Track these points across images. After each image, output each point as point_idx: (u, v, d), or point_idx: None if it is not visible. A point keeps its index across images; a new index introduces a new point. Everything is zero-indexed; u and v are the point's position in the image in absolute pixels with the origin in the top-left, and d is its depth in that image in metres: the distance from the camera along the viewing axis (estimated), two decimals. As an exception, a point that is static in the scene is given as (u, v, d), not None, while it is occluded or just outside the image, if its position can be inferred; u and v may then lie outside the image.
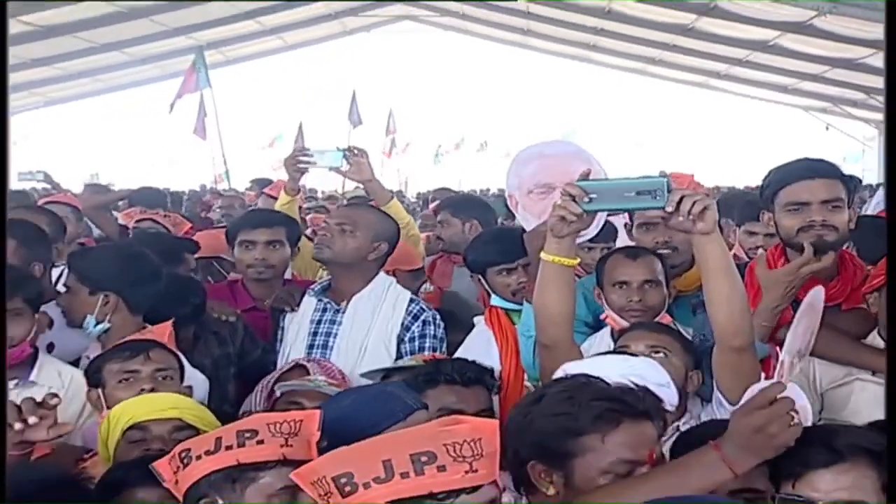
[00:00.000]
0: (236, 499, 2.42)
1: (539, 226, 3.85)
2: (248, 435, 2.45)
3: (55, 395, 3.06)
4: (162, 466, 2.58)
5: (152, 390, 3.44)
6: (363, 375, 4.07)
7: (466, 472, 2.18)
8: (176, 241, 5.91)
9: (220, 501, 2.44)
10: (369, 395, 3.21)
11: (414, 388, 3.42)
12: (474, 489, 2.20)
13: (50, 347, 4.19)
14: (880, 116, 21.69)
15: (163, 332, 3.73)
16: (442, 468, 2.17)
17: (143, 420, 3.16)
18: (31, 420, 2.84)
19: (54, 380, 3.83)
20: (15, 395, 3.35)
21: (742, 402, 2.49)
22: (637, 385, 2.56)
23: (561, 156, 4.01)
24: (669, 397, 2.89)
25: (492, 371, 3.82)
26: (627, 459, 2.39)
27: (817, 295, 2.58)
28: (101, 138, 25.38)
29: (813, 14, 14.67)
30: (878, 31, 14.87)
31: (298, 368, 4.04)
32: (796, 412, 2.36)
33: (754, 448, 2.37)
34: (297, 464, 2.38)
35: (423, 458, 2.18)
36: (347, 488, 2.21)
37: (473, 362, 3.87)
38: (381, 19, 25.28)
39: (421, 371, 3.73)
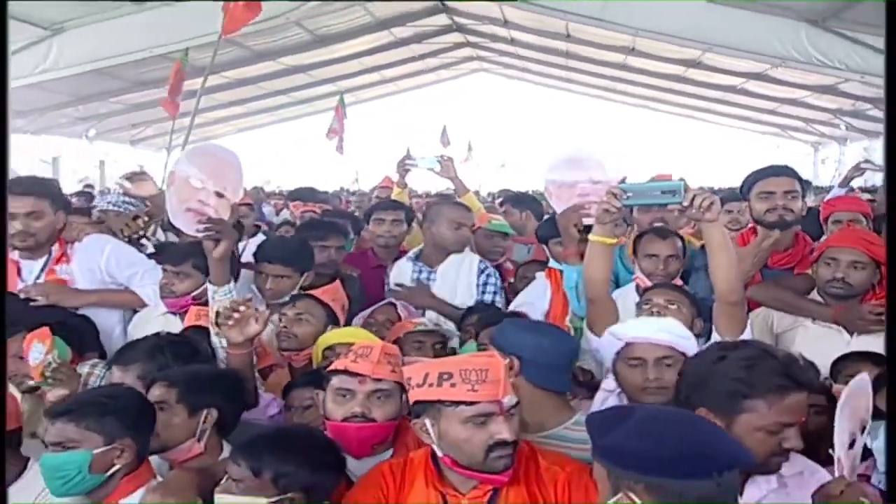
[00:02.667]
0: (437, 418, 2.30)
1: (566, 209, 3.97)
2: (445, 377, 2.28)
3: (249, 300, 3.22)
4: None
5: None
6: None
7: (468, 390, 2.23)
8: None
9: (427, 421, 2.33)
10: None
11: (475, 326, 3.85)
12: (473, 404, 2.24)
13: None
14: (815, 138, 22.58)
15: (335, 289, 3.82)
16: (453, 385, 2.24)
17: (333, 343, 3.30)
18: (230, 322, 2.96)
19: None
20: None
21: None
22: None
23: (575, 162, 4.04)
24: (691, 347, 2.88)
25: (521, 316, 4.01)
26: (784, 423, 2.23)
27: (859, 384, 2.26)
28: (274, 157, 26.98)
29: (768, 67, 15.31)
30: (812, 78, 15.30)
31: (389, 306, 4.24)
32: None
33: None
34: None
35: (445, 377, 2.27)
36: (407, 387, 2.45)
37: (500, 311, 4.29)
38: (458, 72, 25.41)
39: (483, 315, 3.99)
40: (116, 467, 2.47)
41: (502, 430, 2.20)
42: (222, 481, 2.37)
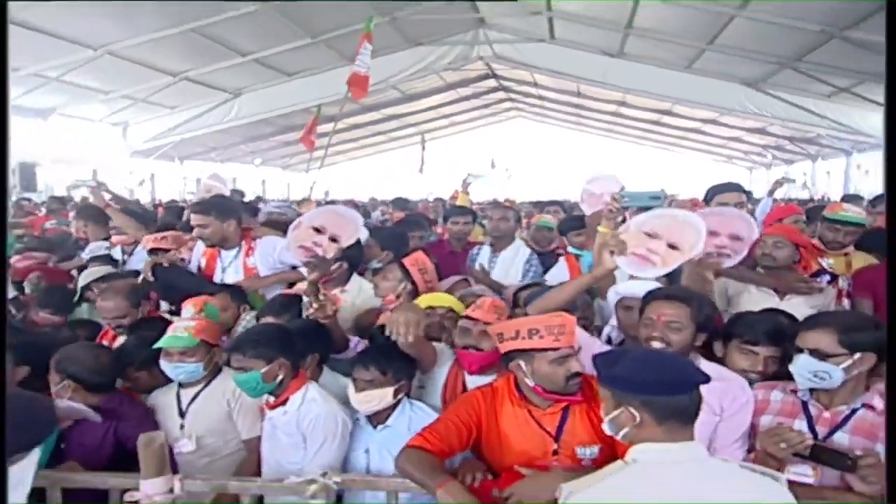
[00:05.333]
0: (529, 360, 2.20)
1: (593, 213, 3.82)
2: (535, 331, 2.18)
3: (344, 292, 3.21)
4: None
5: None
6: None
7: (553, 339, 2.16)
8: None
9: (521, 362, 2.23)
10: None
11: (525, 298, 3.51)
12: (557, 349, 2.17)
13: None
14: (749, 164, 21.81)
15: (413, 257, 3.40)
16: (541, 337, 2.16)
17: (433, 304, 3.03)
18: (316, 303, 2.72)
19: (353, 285, 3.52)
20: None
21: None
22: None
23: (602, 179, 3.88)
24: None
25: None
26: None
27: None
28: (376, 177, 26.38)
29: (718, 115, 15.13)
30: (748, 122, 15.07)
31: (463, 280, 3.88)
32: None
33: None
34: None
35: (534, 332, 2.19)
36: (499, 340, 2.30)
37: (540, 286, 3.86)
38: (501, 118, 24.60)
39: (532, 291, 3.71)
40: (280, 377, 2.49)
41: (576, 365, 2.18)
42: (351, 389, 2.46)
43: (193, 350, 2.72)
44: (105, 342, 3.37)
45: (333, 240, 3.11)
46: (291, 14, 10.00)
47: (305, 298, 2.80)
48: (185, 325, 2.78)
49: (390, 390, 2.44)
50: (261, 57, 11.86)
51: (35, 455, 1.57)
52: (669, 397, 1.64)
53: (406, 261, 3.33)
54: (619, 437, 1.69)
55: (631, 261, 2.50)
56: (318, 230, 3.12)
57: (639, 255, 2.49)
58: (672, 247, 2.48)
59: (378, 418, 2.49)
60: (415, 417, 2.47)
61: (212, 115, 14.13)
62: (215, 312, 3.16)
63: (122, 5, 8.57)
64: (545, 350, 2.17)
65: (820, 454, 2.02)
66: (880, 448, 2.04)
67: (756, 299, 3.32)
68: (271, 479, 2.33)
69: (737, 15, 8.70)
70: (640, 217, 2.63)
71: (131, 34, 9.83)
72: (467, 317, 2.67)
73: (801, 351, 2.17)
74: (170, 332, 2.73)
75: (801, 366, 2.15)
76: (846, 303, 3.54)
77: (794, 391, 2.27)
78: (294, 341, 2.61)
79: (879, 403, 2.14)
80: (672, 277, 3.11)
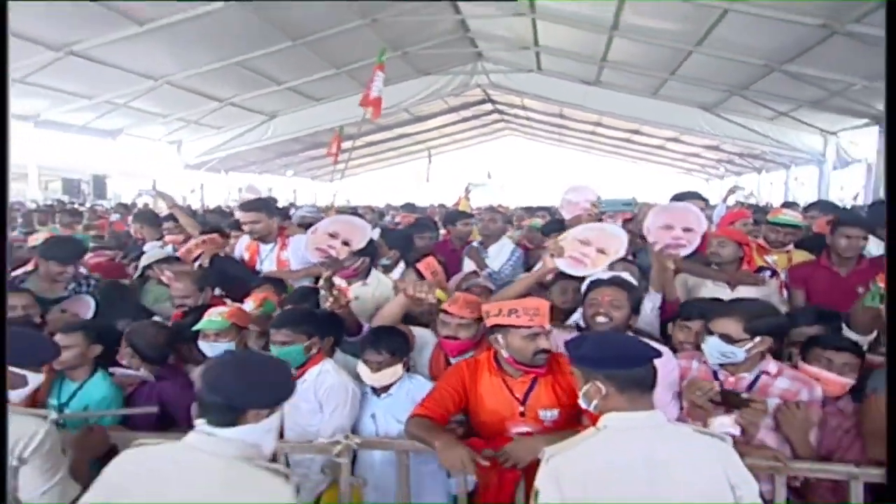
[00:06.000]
0: (505, 335, 2.19)
1: (571, 218, 3.71)
2: (514, 311, 2.17)
3: (365, 285, 3.05)
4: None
5: None
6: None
7: (528, 318, 2.14)
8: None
9: (499, 336, 2.21)
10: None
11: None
12: (530, 327, 2.14)
13: None
14: (706, 176, 21.42)
15: (430, 262, 3.28)
16: (518, 315, 2.15)
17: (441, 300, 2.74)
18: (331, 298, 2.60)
19: (373, 279, 3.23)
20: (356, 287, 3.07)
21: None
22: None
23: (578, 190, 3.82)
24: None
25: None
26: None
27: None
28: (388, 186, 24.80)
29: (678, 133, 15.06)
30: (704, 141, 14.96)
31: (472, 273, 3.78)
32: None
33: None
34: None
35: (513, 311, 2.18)
36: (486, 317, 2.29)
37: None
38: (496, 137, 24.11)
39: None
40: (313, 351, 2.50)
41: (544, 343, 2.17)
42: (364, 369, 2.42)
43: (226, 332, 2.72)
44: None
45: (346, 243, 3.08)
46: (318, 49, 10.10)
47: (322, 292, 2.77)
48: (219, 310, 2.77)
49: (399, 366, 2.45)
50: (292, 85, 11.95)
51: (283, 408, 1.58)
52: (628, 370, 1.63)
53: (420, 266, 3.33)
54: (591, 409, 1.68)
55: (568, 262, 2.58)
56: (332, 235, 3.09)
57: (574, 257, 2.58)
58: (601, 251, 2.55)
59: (382, 388, 2.49)
60: (412, 387, 2.48)
61: (251, 135, 14.19)
62: (272, 306, 3.08)
63: (179, 43, 8.68)
64: (520, 327, 2.16)
65: (726, 397, 2.14)
66: (770, 402, 2.15)
67: (711, 291, 3.27)
68: (302, 441, 2.35)
69: (694, 50, 8.75)
70: (576, 228, 2.68)
71: (185, 67, 9.95)
72: (445, 311, 2.61)
73: (711, 334, 2.22)
74: (206, 316, 2.73)
75: (712, 346, 2.21)
76: (785, 294, 3.50)
77: (706, 361, 2.33)
78: (323, 324, 2.63)
79: (773, 368, 2.24)
80: (644, 272, 3.12)
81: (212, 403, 1.49)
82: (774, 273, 3.54)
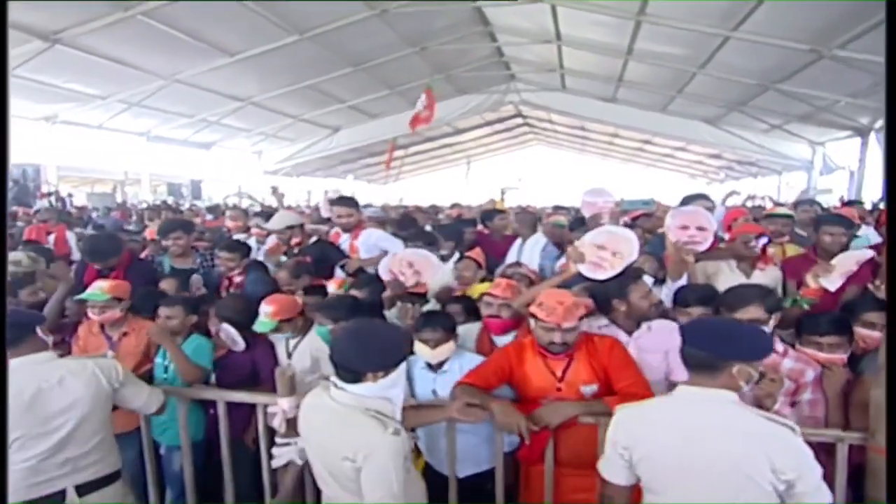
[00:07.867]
0: (536, 322, 2.08)
1: (590, 216, 3.54)
2: (541, 304, 2.06)
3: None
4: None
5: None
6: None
7: (546, 314, 2.02)
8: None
9: (533, 322, 2.10)
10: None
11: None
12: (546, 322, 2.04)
13: None
14: (708, 180, 20.27)
15: (478, 252, 3.27)
16: (542, 309, 2.04)
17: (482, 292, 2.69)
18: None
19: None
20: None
21: None
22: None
23: (596, 191, 3.67)
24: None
25: None
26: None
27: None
28: (433, 188, 23.05)
29: (685, 143, 14.66)
30: (707, 150, 14.49)
31: (516, 264, 3.52)
32: None
33: None
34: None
35: (540, 304, 2.07)
36: (527, 305, 2.18)
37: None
38: (525, 146, 23.11)
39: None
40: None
41: (557, 338, 2.04)
42: (421, 346, 2.27)
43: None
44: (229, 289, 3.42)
45: (417, 273, 2.99)
46: (374, 73, 10.27)
47: (392, 311, 2.69)
48: (99, 285, 2.67)
49: (453, 342, 2.32)
50: (353, 104, 12.12)
51: (404, 366, 1.61)
52: (696, 350, 1.48)
53: (472, 254, 3.34)
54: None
55: (589, 268, 2.43)
56: (410, 264, 3.01)
57: (593, 262, 2.43)
58: (616, 254, 2.40)
59: (437, 366, 2.34)
60: (464, 362, 2.33)
61: (318, 145, 14.46)
62: (348, 289, 3.01)
63: (261, 70, 8.91)
64: (540, 319, 2.09)
65: None
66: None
67: (728, 277, 3.02)
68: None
69: (698, 72, 8.63)
70: (591, 233, 2.55)
71: (266, 90, 10.24)
72: (490, 294, 2.55)
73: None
74: (90, 289, 2.64)
75: None
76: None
77: None
78: (361, 310, 2.50)
79: (780, 347, 2.13)
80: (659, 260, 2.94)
81: (337, 364, 1.57)
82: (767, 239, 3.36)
